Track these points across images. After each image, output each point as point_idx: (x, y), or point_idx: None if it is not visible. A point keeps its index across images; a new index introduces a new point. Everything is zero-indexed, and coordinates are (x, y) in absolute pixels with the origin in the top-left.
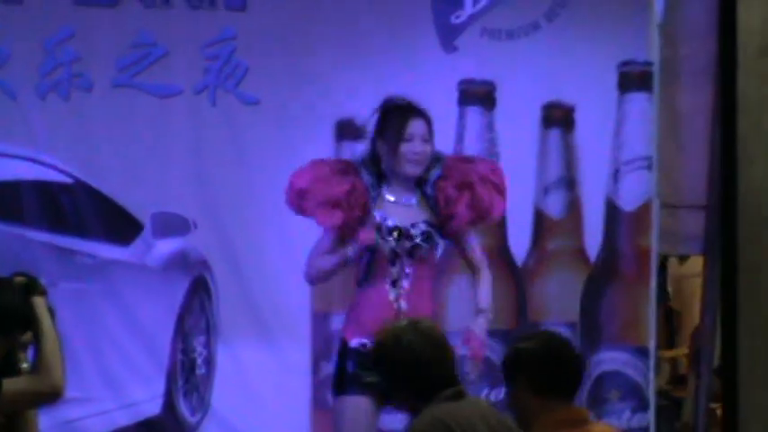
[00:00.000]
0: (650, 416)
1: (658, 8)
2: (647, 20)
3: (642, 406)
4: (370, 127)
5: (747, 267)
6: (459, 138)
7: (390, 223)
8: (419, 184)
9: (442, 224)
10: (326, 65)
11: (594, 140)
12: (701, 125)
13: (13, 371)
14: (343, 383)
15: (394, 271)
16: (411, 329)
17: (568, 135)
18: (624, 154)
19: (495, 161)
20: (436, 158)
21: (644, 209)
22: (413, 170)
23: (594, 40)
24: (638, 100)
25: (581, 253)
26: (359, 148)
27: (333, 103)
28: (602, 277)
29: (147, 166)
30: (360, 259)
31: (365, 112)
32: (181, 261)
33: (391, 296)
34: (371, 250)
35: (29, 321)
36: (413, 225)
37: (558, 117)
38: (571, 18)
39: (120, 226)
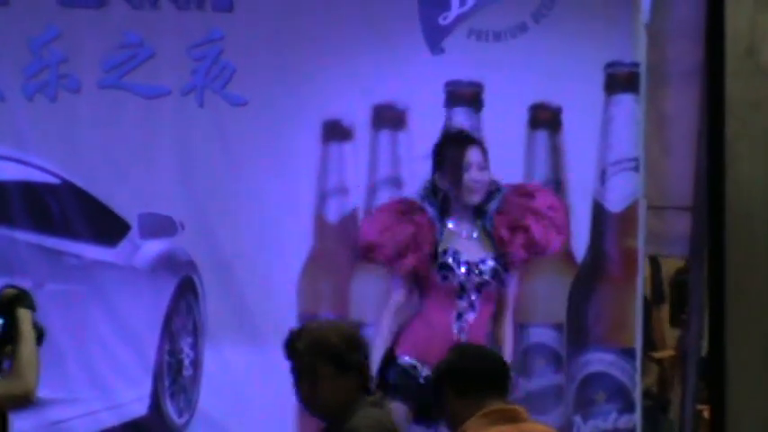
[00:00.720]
0: (637, 417)
1: (645, 9)
2: (634, 21)
3: (629, 407)
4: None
5: (734, 267)
6: None
7: (463, 258)
8: (479, 215)
9: (502, 260)
10: (314, 66)
11: (581, 142)
12: (687, 127)
13: None
14: (383, 389)
15: (461, 304)
16: (348, 325)
17: (555, 136)
18: (611, 155)
19: (555, 194)
20: (496, 189)
21: (631, 210)
22: (473, 198)
23: (581, 41)
24: (624, 101)
25: (568, 254)
26: (345, 149)
27: (320, 103)
28: (589, 278)
29: (135, 167)
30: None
31: (352, 113)
32: (168, 262)
33: (455, 329)
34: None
35: (10, 334)
36: (482, 261)
37: (545, 118)
38: (558, 19)
39: (107, 227)
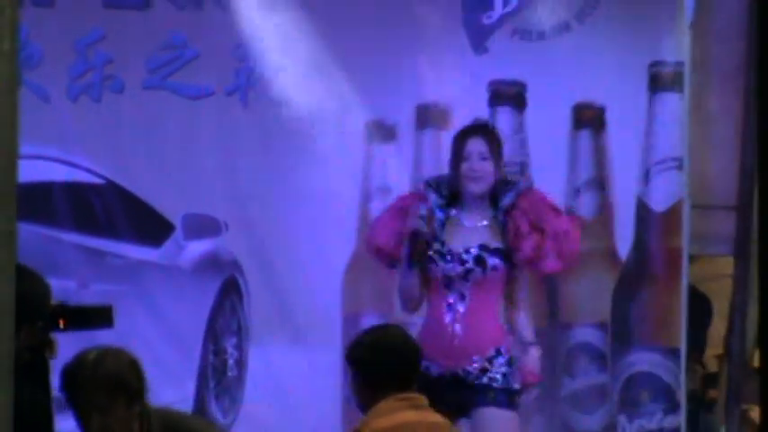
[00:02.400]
0: (682, 417)
1: (689, 8)
2: (678, 20)
3: (673, 407)
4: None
5: None
6: None
7: (445, 248)
8: (493, 205)
9: (501, 251)
10: (357, 66)
11: (625, 141)
12: (731, 125)
13: (45, 366)
14: None
15: (451, 295)
16: (126, 352)
17: (599, 136)
18: (655, 154)
19: (575, 223)
20: (509, 183)
21: (675, 209)
22: (474, 187)
23: (625, 40)
24: (668, 100)
25: (612, 254)
26: (389, 149)
27: (363, 103)
28: (634, 278)
29: (179, 168)
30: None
31: (395, 112)
32: (212, 262)
33: (447, 319)
34: (414, 236)
35: (53, 315)
36: (466, 250)
37: (589, 118)
38: (602, 19)
39: (152, 227)
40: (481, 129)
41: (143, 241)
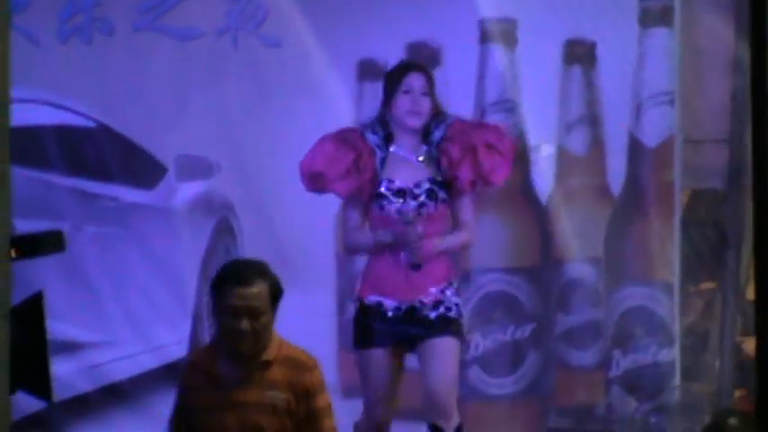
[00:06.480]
0: (676, 351)
1: None
2: None
3: (668, 341)
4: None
5: None
6: (481, 77)
7: (395, 186)
8: (425, 140)
9: (446, 183)
10: (347, 5)
11: (616, 76)
12: (722, 59)
13: None
14: (362, 338)
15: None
16: None
17: (590, 72)
18: (646, 89)
19: (502, 129)
20: (441, 118)
21: (667, 144)
22: (413, 122)
23: None
24: (659, 35)
25: (604, 189)
26: (379, 88)
27: (354, 43)
28: (626, 213)
29: (170, 109)
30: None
31: (386, 52)
32: (205, 204)
33: (402, 254)
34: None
35: None
36: (416, 184)
37: (580, 54)
38: None
39: (144, 169)
40: (419, 65)
41: (136, 183)
